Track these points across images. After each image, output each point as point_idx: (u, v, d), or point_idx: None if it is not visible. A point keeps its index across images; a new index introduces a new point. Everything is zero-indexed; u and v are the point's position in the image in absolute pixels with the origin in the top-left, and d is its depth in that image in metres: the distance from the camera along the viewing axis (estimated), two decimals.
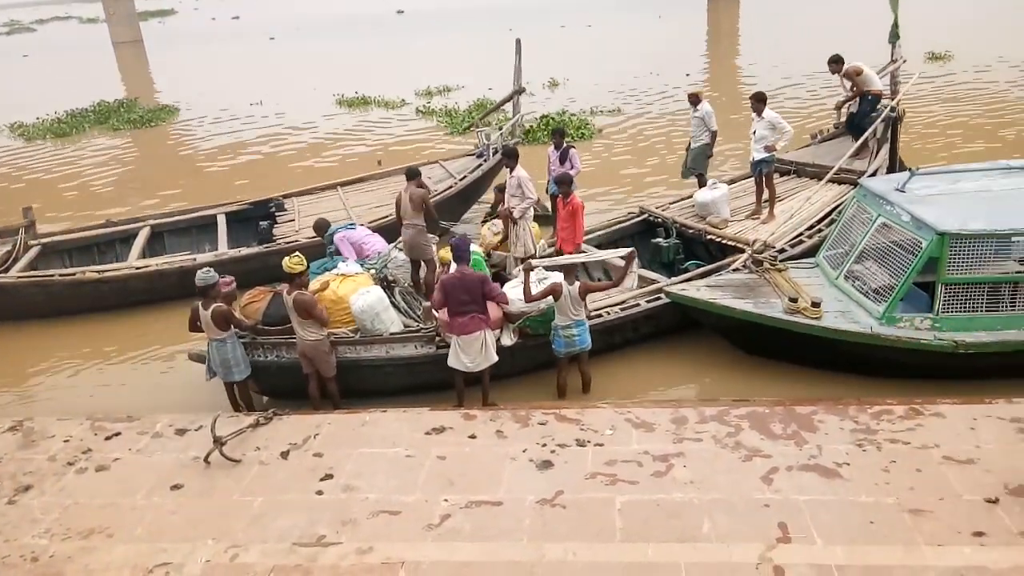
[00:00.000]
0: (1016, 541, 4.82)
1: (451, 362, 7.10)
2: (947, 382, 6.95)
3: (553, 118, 18.66)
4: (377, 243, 8.85)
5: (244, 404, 7.49)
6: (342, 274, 7.97)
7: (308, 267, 7.28)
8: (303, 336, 7.10)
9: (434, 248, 9.09)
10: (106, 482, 6.22)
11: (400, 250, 9.02)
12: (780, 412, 6.45)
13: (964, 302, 6.92)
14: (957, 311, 6.92)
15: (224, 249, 10.78)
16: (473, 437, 6.41)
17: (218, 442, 6.28)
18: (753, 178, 10.06)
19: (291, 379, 7.43)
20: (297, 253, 7.24)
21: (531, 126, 17.74)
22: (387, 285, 8.16)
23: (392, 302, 7.88)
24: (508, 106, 13.10)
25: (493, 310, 7.55)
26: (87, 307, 10.11)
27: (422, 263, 8.94)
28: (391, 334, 7.58)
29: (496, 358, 7.13)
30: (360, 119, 22.32)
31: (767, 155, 9.66)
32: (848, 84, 10.62)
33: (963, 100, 18.81)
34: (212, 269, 7.24)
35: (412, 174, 9.21)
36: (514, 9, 52.94)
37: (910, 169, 8.31)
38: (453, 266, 7.23)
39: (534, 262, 7.67)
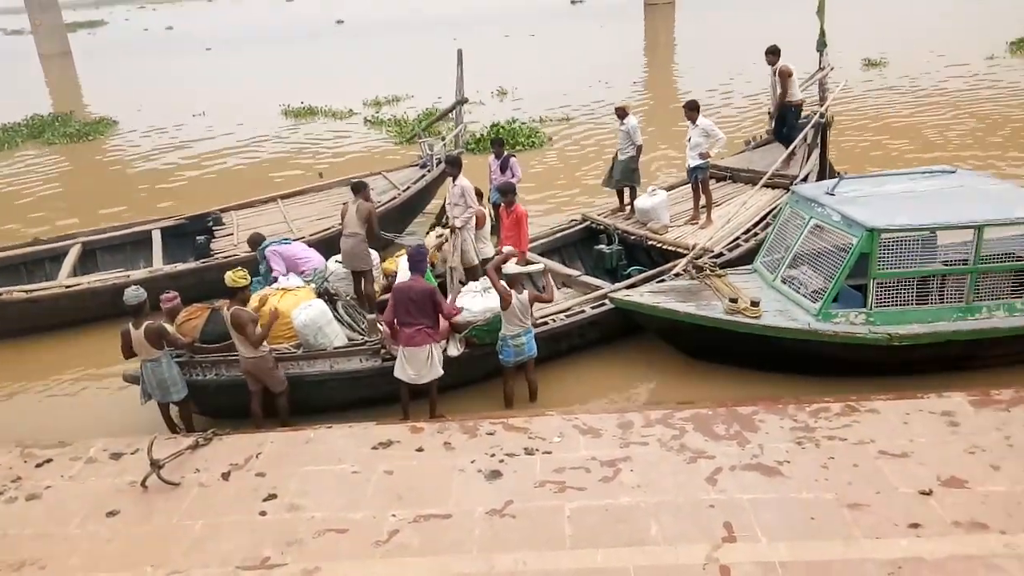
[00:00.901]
0: (950, 531, 4.99)
1: (397, 373, 7.04)
2: (881, 379, 7.16)
3: (503, 127, 18.74)
4: (314, 259, 8.71)
5: (183, 426, 7.28)
6: (282, 288, 7.83)
7: (251, 282, 7.13)
8: (244, 353, 6.94)
9: (375, 259, 9.01)
10: (38, 511, 5.97)
11: (339, 262, 8.90)
12: (723, 413, 6.57)
13: (896, 296, 7.18)
14: (889, 305, 7.18)
15: (160, 265, 10.48)
16: (420, 450, 6.35)
17: (155, 465, 6.09)
18: (690, 184, 10.27)
19: (231, 398, 7.26)
20: (241, 267, 7.09)
21: (482, 135, 17.84)
22: (329, 298, 8.04)
23: (335, 315, 7.78)
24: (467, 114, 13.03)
25: (441, 321, 7.52)
26: (15, 329, 9.72)
27: (363, 275, 8.84)
28: (335, 348, 7.47)
29: (441, 372, 7.08)
30: (307, 130, 22.06)
31: (702, 161, 9.89)
32: (778, 82, 10.89)
33: (895, 104, 19.49)
34: (141, 287, 7.02)
35: (358, 187, 9.12)
36: (455, 20, 53.04)
37: (839, 174, 8.61)
38: (404, 275, 7.16)
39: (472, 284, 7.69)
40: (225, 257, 10.38)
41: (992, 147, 15.13)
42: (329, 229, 10.57)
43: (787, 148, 10.43)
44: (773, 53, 11.05)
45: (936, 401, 6.47)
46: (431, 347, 6.96)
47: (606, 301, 8.19)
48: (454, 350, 7.48)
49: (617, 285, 8.59)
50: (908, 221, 7.13)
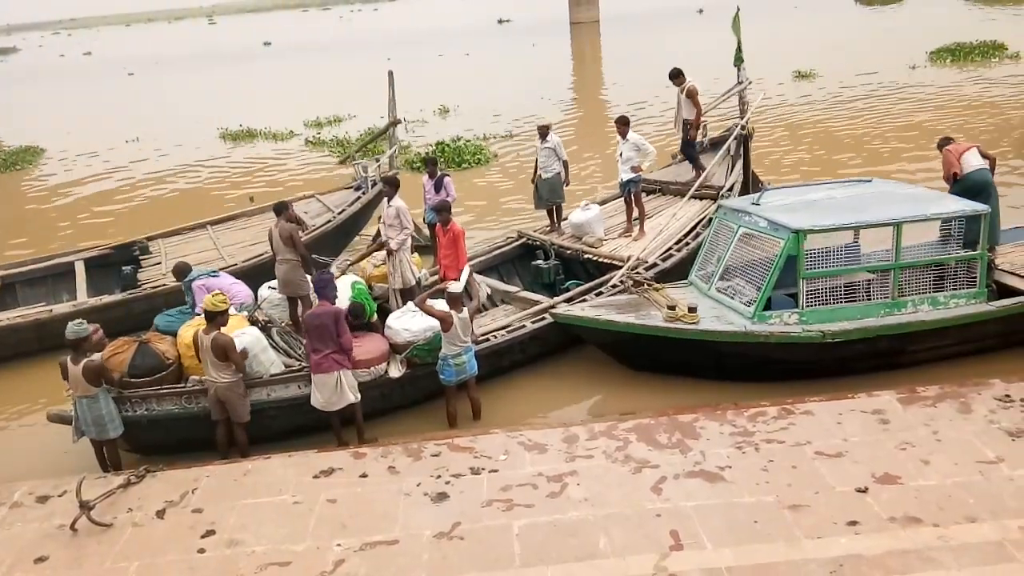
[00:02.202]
0: (886, 527, 5.14)
1: (312, 400, 6.96)
2: (815, 381, 7.37)
3: (449, 145, 18.78)
4: (241, 293, 8.46)
5: (112, 464, 6.98)
6: None
7: (229, 307, 6.99)
8: (217, 379, 6.77)
9: (310, 283, 8.84)
10: None
11: (273, 288, 8.72)
12: (664, 422, 6.65)
13: (825, 295, 7.46)
14: (819, 304, 7.44)
15: (84, 298, 10.08)
16: (364, 476, 6.24)
17: (85, 507, 5.82)
18: (623, 198, 10.45)
19: (164, 433, 7.02)
20: (219, 291, 6.95)
21: (426, 154, 17.85)
22: (263, 326, 7.86)
23: (270, 342, 7.60)
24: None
25: (375, 343, 7.42)
26: None
27: (299, 300, 8.66)
28: (271, 376, 7.29)
29: (354, 398, 6.97)
30: (246, 152, 21.68)
31: (634, 175, 10.10)
32: (689, 102, 11.14)
33: (821, 114, 20.18)
34: (84, 321, 6.76)
35: (280, 209, 8.94)
36: (386, 41, 53.01)
37: (762, 184, 8.90)
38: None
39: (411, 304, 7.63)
40: (153, 287, 10.06)
41: (914, 152, 15.76)
42: (262, 255, 10.34)
43: (697, 164, 10.84)
44: (676, 76, 11.32)
45: (867, 400, 6.69)
46: (339, 374, 6.86)
47: (546, 316, 8.23)
48: (395, 371, 7.39)
49: (556, 299, 8.65)
50: (831, 222, 7.49)
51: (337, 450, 6.79)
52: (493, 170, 17.33)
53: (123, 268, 10.83)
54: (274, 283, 8.76)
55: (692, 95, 11.09)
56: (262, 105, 29.18)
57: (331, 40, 58.09)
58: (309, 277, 8.29)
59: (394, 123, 12.42)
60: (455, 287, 7.35)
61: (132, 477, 6.37)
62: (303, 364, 7.47)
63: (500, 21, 63.25)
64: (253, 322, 7.81)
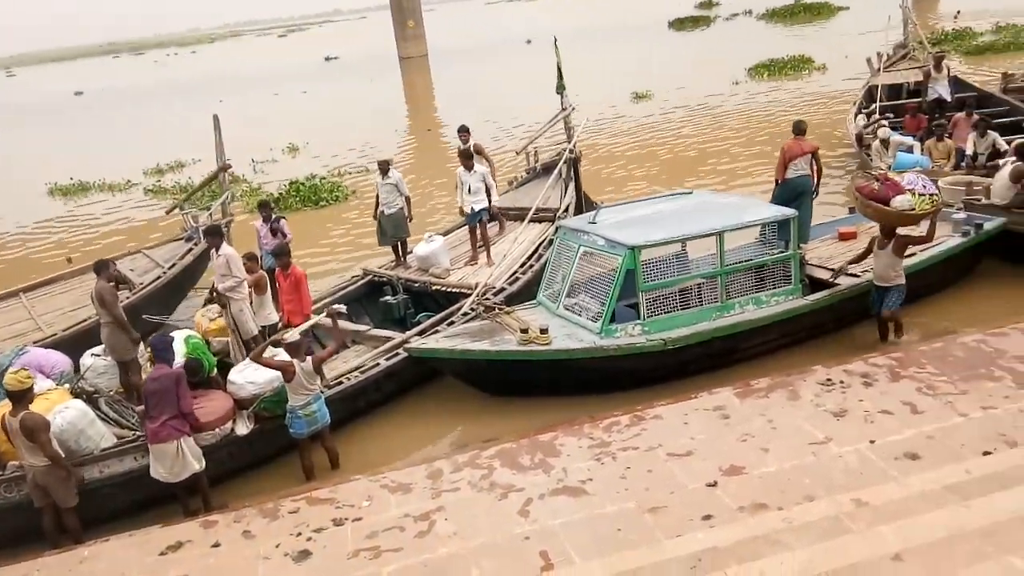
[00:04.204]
0: (736, 517, 5.43)
1: (152, 472, 6.46)
2: (661, 386, 7.72)
3: (303, 183, 18.26)
4: (59, 363, 7.77)
5: None
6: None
7: (34, 383, 6.32)
8: (33, 463, 6.09)
9: (140, 347, 8.25)
10: None
11: (98, 355, 8.06)
12: (526, 444, 6.72)
13: (663, 305, 7.89)
14: (659, 313, 7.84)
15: None
16: (217, 545, 5.85)
17: None
18: (468, 227, 10.59)
19: None
20: (23, 367, 6.29)
21: (280, 194, 17.60)
22: (89, 397, 7.23)
23: (98, 414, 7.00)
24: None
25: (218, 401, 7.02)
26: None
27: (128, 364, 8.05)
28: (103, 450, 6.70)
29: (198, 467, 6.52)
30: (78, 208, 20.11)
31: (484, 205, 10.35)
32: (477, 156, 11.41)
33: (659, 131, 21.29)
34: None
35: (100, 268, 8.31)
36: (214, 82, 51.05)
37: (595, 204, 9.33)
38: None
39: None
40: None
41: (737, 161, 17.02)
42: (88, 320, 9.53)
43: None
44: (464, 131, 11.75)
45: (708, 398, 7.08)
46: (179, 442, 6.39)
47: (400, 351, 8.13)
48: (243, 428, 7.02)
49: (408, 333, 8.57)
50: (663, 236, 7.97)
51: (184, 522, 6.33)
52: (352, 206, 17.02)
53: None
54: (99, 349, 8.10)
55: (480, 151, 11.49)
56: (94, 156, 27.25)
57: (154, 85, 55.11)
58: (139, 339, 7.74)
59: (223, 169, 11.89)
60: (291, 336, 7.06)
61: None
62: (138, 434, 6.93)
63: (327, 58, 62.59)
64: (77, 394, 7.17)
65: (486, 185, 10.47)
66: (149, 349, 6.81)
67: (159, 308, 9.98)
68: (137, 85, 55.01)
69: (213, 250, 8.55)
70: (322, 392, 7.15)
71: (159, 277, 10.84)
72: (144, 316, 9.40)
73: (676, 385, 7.71)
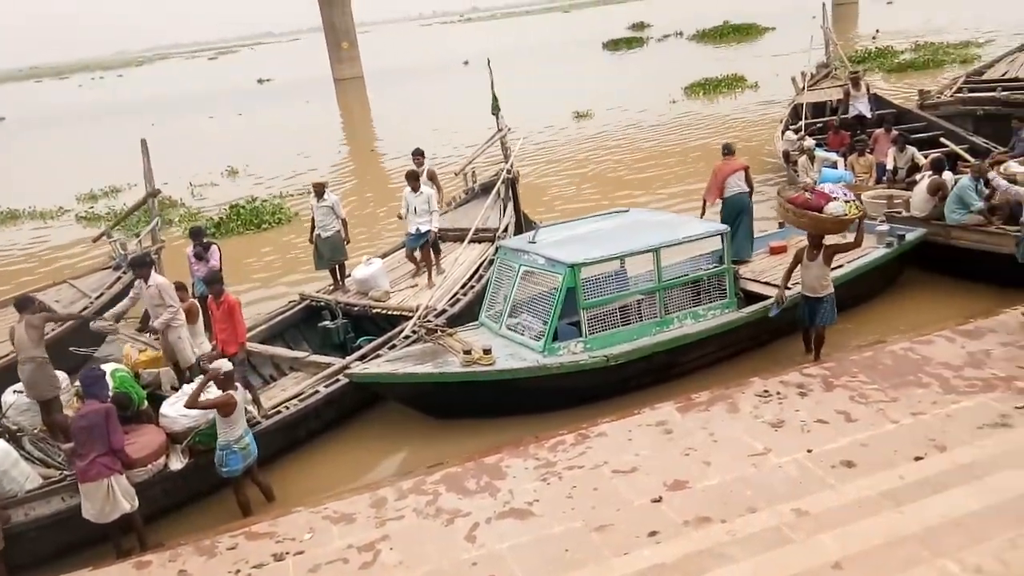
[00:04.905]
0: (681, 531, 5.47)
1: (84, 512, 6.15)
2: (604, 403, 7.76)
3: (244, 206, 17.90)
4: None
5: None
6: None
7: None
8: None
9: (63, 381, 7.89)
10: None
11: (19, 392, 7.69)
12: (472, 467, 6.66)
13: (603, 322, 7.94)
14: (600, 330, 7.90)
15: None
16: None
17: None
18: (416, 249, 10.57)
19: None
20: None
21: (220, 218, 17.27)
22: (12, 435, 6.88)
23: (22, 453, 6.66)
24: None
25: (150, 436, 6.76)
26: None
27: (50, 403, 7.69)
28: (28, 492, 6.38)
29: (129, 507, 6.22)
30: (6, 237, 19.27)
31: (431, 227, 10.33)
32: (427, 180, 11.44)
33: (592, 152, 21.43)
34: None
35: (23, 305, 7.93)
36: (144, 105, 49.73)
37: (534, 223, 9.40)
38: None
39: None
40: None
41: (672, 179, 17.33)
42: (7, 356, 9.08)
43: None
44: (418, 155, 11.80)
45: (651, 414, 7.14)
46: (110, 480, 6.10)
47: (340, 377, 7.98)
48: (177, 463, 6.76)
49: (349, 359, 8.43)
50: (602, 253, 8.04)
51: (116, 563, 6.05)
52: (294, 228, 16.69)
53: None
54: (19, 386, 7.72)
55: (432, 176, 11.52)
56: (20, 183, 26.18)
57: (84, 109, 53.33)
58: (66, 375, 7.39)
59: (152, 194, 11.54)
60: (225, 365, 6.79)
61: None
62: (65, 473, 6.61)
63: (260, 81, 61.78)
64: None
65: (430, 208, 10.44)
66: (78, 385, 6.48)
67: (88, 340, 9.58)
68: (64, 109, 53.22)
69: (141, 281, 8.23)
70: (260, 421, 6.95)
71: (86, 308, 10.44)
72: (71, 349, 9.03)
73: (619, 401, 7.76)
